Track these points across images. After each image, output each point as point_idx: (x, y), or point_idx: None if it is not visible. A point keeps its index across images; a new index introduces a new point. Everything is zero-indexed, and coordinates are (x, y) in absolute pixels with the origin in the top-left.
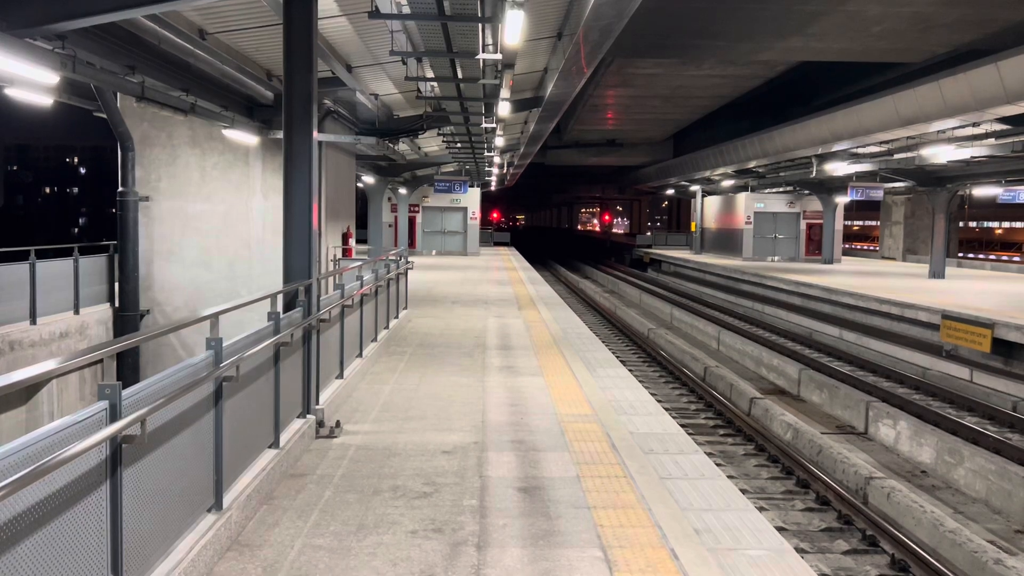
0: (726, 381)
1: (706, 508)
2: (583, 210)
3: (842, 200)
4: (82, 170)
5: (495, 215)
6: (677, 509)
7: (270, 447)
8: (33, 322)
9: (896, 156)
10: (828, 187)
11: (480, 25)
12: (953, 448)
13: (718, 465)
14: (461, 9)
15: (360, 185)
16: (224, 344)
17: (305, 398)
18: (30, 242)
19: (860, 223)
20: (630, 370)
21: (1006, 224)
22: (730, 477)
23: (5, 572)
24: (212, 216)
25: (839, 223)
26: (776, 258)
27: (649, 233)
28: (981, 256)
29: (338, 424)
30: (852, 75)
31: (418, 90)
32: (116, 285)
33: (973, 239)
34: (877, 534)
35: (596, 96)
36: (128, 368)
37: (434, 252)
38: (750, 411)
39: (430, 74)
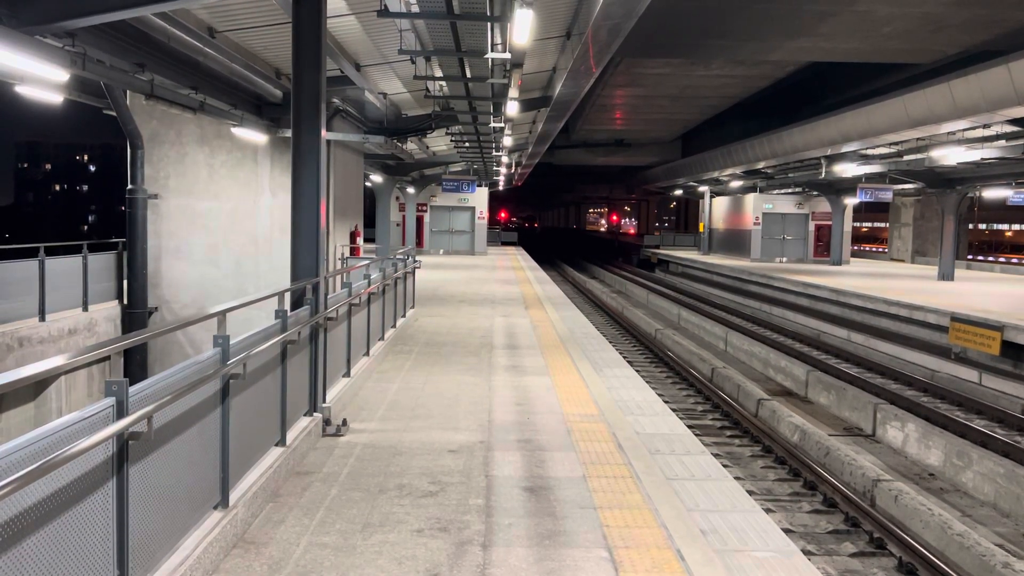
0: (733, 382)
1: (712, 509)
2: (591, 210)
3: (851, 201)
4: (91, 168)
5: (503, 215)
6: (683, 510)
7: (276, 445)
8: (42, 319)
9: (906, 157)
10: (837, 188)
11: (489, 24)
12: (961, 451)
13: (725, 466)
14: (470, 8)
15: (368, 184)
16: (231, 342)
17: (312, 396)
18: (39, 239)
19: (869, 224)
20: (637, 370)
21: (1016, 226)
22: (737, 478)
23: (12, 567)
24: (220, 214)
25: (848, 224)
26: (784, 259)
27: (657, 233)
28: (991, 258)
29: (344, 422)
30: (862, 76)
31: (426, 89)
32: (124, 282)
33: (983, 241)
34: (884, 536)
35: (604, 96)
36: (136, 365)
37: (442, 251)
38: (757, 412)
39: (439, 73)
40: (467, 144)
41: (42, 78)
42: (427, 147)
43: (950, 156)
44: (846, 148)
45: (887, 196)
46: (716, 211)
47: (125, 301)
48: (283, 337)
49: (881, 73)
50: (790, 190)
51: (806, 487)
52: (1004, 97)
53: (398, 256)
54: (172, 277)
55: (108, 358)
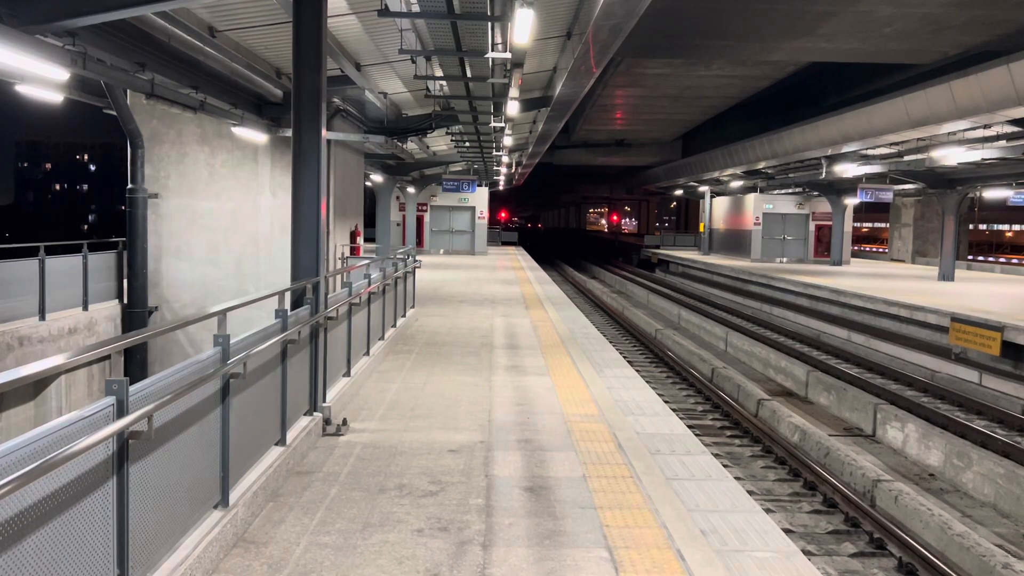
0: (733, 382)
1: (713, 509)
2: (592, 210)
3: (851, 202)
4: (92, 167)
5: (503, 214)
6: (683, 510)
7: (276, 444)
8: (42, 318)
9: (906, 158)
10: (837, 188)
11: (489, 24)
12: (961, 451)
13: (725, 466)
14: (470, 7)
15: (368, 184)
16: (231, 341)
17: (312, 396)
18: (40, 238)
19: (869, 225)
20: (637, 371)
21: (1016, 227)
22: (737, 479)
23: (12, 566)
24: (220, 214)
25: (848, 225)
26: (784, 259)
27: (657, 233)
28: (991, 259)
29: (345, 422)
30: (862, 76)
31: (427, 89)
32: (125, 282)
33: (983, 241)
34: (885, 537)
35: (605, 96)
36: (136, 365)
37: (442, 251)
38: (757, 412)
39: (439, 73)
40: (467, 144)
41: (42, 77)
42: (427, 147)
43: (950, 156)
44: (846, 148)
45: (887, 196)
46: (716, 211)
47: (125, 300)
48: (283, 336)
49: (881, 73)
50: (790, 190)
51: (806, 487)
52: (1004, 97)
53: (398, 256)
54: (172, 277)
55: (108, 357)
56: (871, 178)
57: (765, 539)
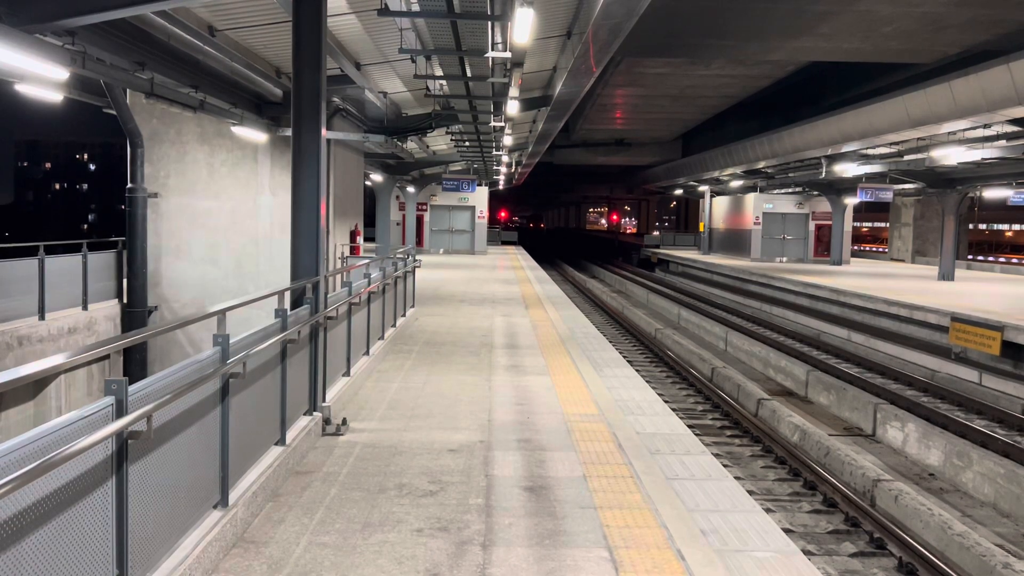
0: (733, 382)
1: (713, 509)
2: (591, 210)
3: (851, 201)
4: (91, 166)
5: (503, 214)
6: (684, 510)
7: (276, 444)
8: (42, 318)
9: (906, 157)
10: (837, 188)
11: (489, 23)
12: (962, 451)
13: (725, 466)
14: (470, 7)
15: (368, 183)
16: (231, 341)
17: (312, 395)
18: (39, 238)
19: (869, 224)
20: (637, 370)
21: (1016, 226)
22: (737, 478)
23: (11, 566)
24: (220, 213)
25: (848, 224)
26: (784, 259)
27: (657, 233)
28: (991, 258)
29: (344, 422)
30: (862, 75)
31: (427, 88)
32: (124, 281)
33: (983, 241)
34: (885, 537)
35: (605, 95)
36: (135, 364)
37: (442, 251)
38: (757, 412)
39: (439, 72)
40: (467, 143)
41: (42, 76)
42: (427, 146)
43: (950, 156)
44: (846, 148)
45: (887, 196)
46: (716, 211)
47: (125, 300)
48: (283, 336)
49: (882, 73)
50: (790, 190)
51: (806, 487)
52: (1004, 97)
53: (398, 255)
54: (172, 276)
55: (108, 357)
56: (871, 178)
57: (765, 539)
